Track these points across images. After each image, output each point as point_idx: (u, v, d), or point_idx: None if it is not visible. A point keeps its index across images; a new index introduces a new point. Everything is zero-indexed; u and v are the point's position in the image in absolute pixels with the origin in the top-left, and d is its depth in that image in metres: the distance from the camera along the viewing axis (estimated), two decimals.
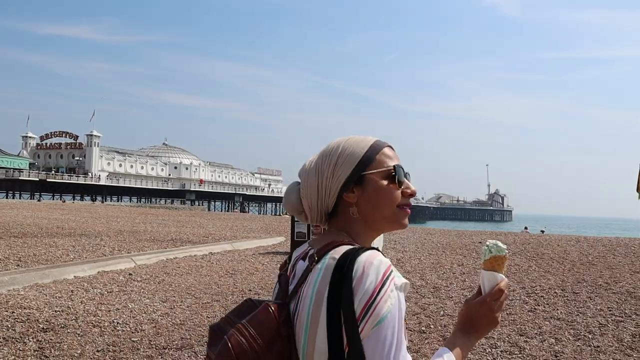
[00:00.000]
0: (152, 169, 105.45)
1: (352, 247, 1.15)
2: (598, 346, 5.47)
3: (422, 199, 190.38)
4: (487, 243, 1.26)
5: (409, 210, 1.26)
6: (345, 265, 1.09)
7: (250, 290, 8.03)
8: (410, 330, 5.87)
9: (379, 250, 1.14)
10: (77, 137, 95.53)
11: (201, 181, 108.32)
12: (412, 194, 1.27)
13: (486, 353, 5.18)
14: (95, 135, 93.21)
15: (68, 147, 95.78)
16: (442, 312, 6.75)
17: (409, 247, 15.00)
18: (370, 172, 1.22)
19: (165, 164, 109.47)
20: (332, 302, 1.07)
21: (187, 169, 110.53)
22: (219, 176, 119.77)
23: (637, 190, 29.00)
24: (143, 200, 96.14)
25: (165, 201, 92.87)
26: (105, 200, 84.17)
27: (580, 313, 6.84)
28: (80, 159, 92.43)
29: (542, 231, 30.49)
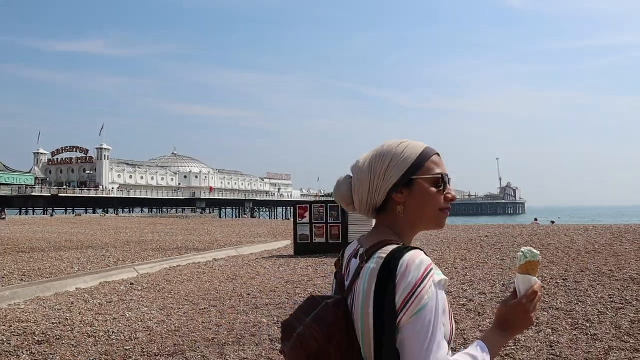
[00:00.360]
0: (162, 179, 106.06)
1: (397, 246, 1.31)
2: (595, 334, 5.40)
3: None
4: (522, 249, 1.38)
5: (449, 213, 1.41)
6: (391, 263, 1.26)
7: (248, 294, 8.02)
8: None
9: (421, 250, 1.30)
10: (88, 151, 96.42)
11: (211, 189, 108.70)
12: (453, 199, 1.41)
13: None
14: (105, 149, 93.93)
15: (79, 161, 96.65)
16: None
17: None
18: (420, 177, 1.37)
19: (175, 173, 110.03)
20: (378, 296, 1.25)
21: (196, 177, 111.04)
22: (229, 183, 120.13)
23: None
24: (155, 210, 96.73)
25: (177, 210, 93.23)
26: (117, 212, 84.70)
27: (580, 302, 6.75)
28: (91, 172, 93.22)
29: (553, 222, 30.22)
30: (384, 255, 1.28)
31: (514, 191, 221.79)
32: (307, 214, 13.58)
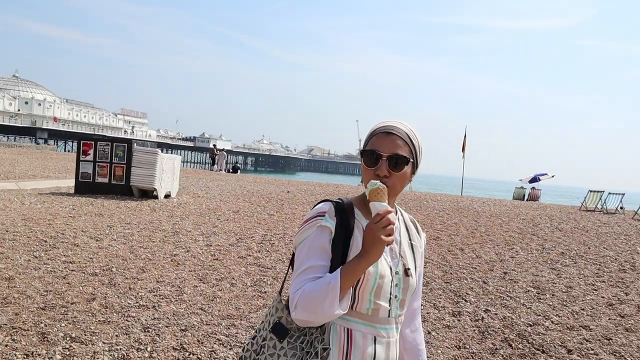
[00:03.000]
0: None
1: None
2: None
3: (295, 150, 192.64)
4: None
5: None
6: None
7: None
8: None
9: (332, 202, 1.58)
10: None
11: (55, 119, 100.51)
12: (379, 175, 1.55)
13: None
14: None
15: None
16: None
17: (213, 192, 14.82)
18: (361, 151, 1.62)
19: (15, 97, 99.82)
20: None
21: (40, 105, 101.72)
22: (77, 115, 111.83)
23: (462, 151, 31.11)
24: None
25: (15, 139, 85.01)
26: None
27: None
28: None
29: None
30: None
31: None
32: (91, 152, 12.80)
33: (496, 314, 5.17)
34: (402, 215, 1.74)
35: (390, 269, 1.60)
